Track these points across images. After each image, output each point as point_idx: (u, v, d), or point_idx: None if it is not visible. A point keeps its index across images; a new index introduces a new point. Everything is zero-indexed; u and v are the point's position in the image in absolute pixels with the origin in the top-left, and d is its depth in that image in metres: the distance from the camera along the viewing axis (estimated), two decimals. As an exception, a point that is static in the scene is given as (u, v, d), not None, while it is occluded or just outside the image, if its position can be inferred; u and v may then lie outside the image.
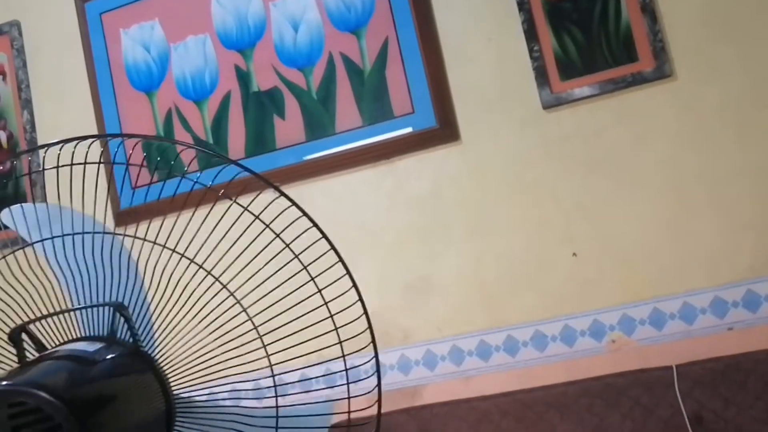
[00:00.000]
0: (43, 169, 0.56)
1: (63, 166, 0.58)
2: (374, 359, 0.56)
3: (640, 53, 1.54)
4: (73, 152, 0.58)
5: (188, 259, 0.65)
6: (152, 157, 1.84)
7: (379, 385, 0.56)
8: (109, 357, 0.51)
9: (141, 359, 0.53)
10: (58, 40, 1.97)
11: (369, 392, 0.56)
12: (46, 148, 0.58)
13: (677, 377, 1.41)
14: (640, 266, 1.54)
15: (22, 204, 0.58)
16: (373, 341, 0.56)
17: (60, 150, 0.57)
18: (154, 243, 0.71)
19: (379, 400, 0.56)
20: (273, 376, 0.59)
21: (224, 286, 0.59)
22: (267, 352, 0.58)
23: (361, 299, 0.56)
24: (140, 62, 1.87)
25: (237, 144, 1.78)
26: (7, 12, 2.03)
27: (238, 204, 0.58)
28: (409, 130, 1.67)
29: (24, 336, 0.55)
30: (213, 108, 1.80)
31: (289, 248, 0.57)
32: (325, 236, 0.57)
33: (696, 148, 1.52)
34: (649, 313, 1.53)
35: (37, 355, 0.55)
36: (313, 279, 0.57)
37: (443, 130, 1.65)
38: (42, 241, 0.56)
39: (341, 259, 0.56)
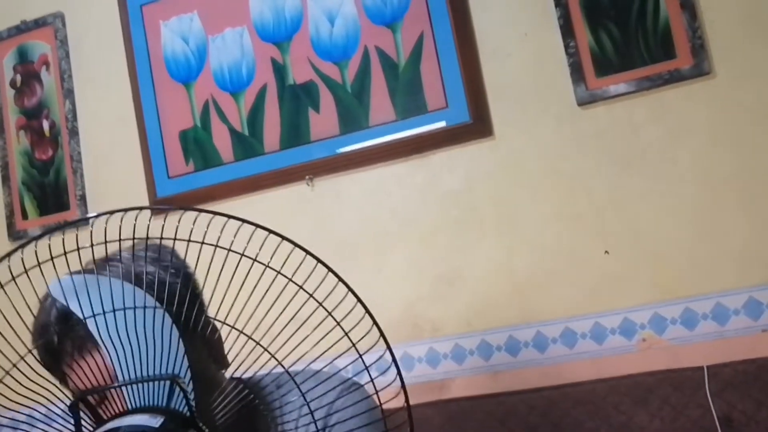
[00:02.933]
0: (92, 245, 0.56)
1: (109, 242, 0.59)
2: (388, 352, 0.57)
3: (678, 50, 1.53)
4: (120, 225, 0.59)
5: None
6: (189, 148, 1.87)
7: (399, 374, 0.57)
8: (174, 430, 0.53)
9: (197, 431, 0.55)
10: (100, 31, 2.01)
11: (389, 384, 0.57)
12: (92, 219, 0.59)
13: (708, 378, 1.40)
14: (673, 265, 1.53)
15: (71, 275, 0.59)
16: (383, 335, 0.57)
17: (106, 221, 0.58)
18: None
19: (403, 388, 0.57)
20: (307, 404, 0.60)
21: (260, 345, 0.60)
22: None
23: (360, 301, 0.57)
24: (179, 54, 1.90)
25: (272, 136, 1.80)
26: (51, 3, 2.07)
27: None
28: (442, 124, 1.67)
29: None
30: (249, 100, 1.82)
31: (299, 286, 0.58)
32: (317, 259, 0.57)
33: (732, 147, 1.50)
34: (681, 312, 1.52)
35: (93, 425, 0.56)
36: (322, 305, 0.58)
37: (476, 125, 1.65)
38: (94, 316, 0.57)
39: (336, 274, 0.57)
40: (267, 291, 0.59)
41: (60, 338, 0.72)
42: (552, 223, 1.61)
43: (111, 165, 1.99)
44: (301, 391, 0.59)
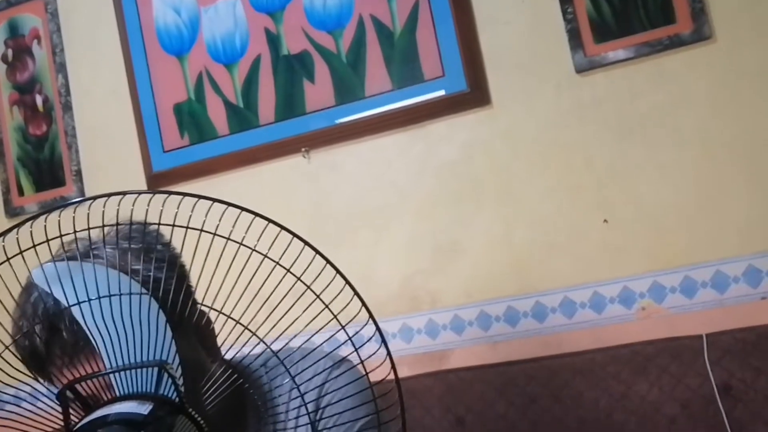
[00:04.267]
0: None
1: (104, 225, 0.58)
2: (375, 328, 0.56)
3: (678, 15, 1.50)
4: (118, 208, 0.57)
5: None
6: (184, 121, 1.85)
7: (387, 350, 0.56)
8: (163, 417, 0.52)
9: (187, 417, 0.54)
10: (91, 4, 1.98)
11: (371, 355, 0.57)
12: (91, 200, 0.57)
13: (707, 346, 1.39)
14: (672, 233, 1.52)
15: (55, 262, 0.58)
16: (369, 312, 0.56)
17: (89, 207, 0.57)
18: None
19: (391, 361, 0.56)
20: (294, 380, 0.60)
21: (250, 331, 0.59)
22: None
23: (340, 274, 0.56)
24: (171, 25, 1.87)
25: (267, 108, 1.78)
26: (41, -25, 2.04)
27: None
28: (439, 93, 1.65)
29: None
30: (243, 71, 1.80)
31: (297, 278, 0.57)
32: (306, 242, 0.56)
33: (733, 114, 1.48)
34: (680, 281, 1.51)
35: (81, 413, 0.55)
36: (309, 287, 0.57)
37: (474, 93, 1.63)
38: (79, 303, 0.56)
39: (314, 248, 0.56)
40: (254, 273, 0.58)
41: (47, 345, 0.70)
42: (551, 193, 1.59)
43: (106, 140, 1.97)
44: (291, 374, 0.59)
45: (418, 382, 1.56)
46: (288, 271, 0.58)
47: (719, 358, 1.38)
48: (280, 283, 0.59)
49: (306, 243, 0.58)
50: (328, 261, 0.58)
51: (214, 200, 0.56)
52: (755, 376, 1.35)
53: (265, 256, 0.57)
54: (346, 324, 0.57)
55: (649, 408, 1.38)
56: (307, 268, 0.60)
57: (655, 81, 1.53)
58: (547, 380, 1.47)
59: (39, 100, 2.03)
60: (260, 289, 0.60)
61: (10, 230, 0.56)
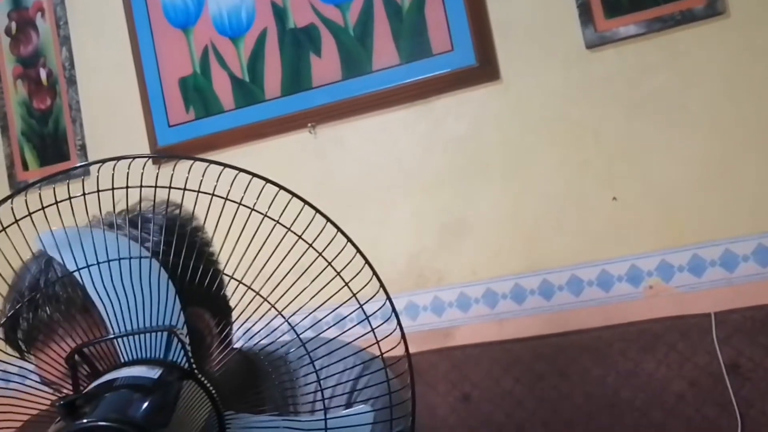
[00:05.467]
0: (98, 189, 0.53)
1: (114, 188, 0.57)
2: (388, 302, 0.55)
3: (691, -11, 1.47)
4: (128, 172, 0.56)
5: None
6: (189, 95, 1.83)
7: (399, 325, 0.55)
8: (172, 382, 0.51)
9: (196, 383, 0.53)
10: (95, -24, 1.96)
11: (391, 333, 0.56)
12: (100, 164, 0.56)
13: (715, 325, 1.38)
14: (682, 211, 1.50)
15: (64, 229, 0.57)
16: (383, 286, 0.55)
17: (114, 168, 0.55)
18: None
19: (403, 337, 0.55)
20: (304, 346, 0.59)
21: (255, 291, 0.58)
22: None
23: (359, 251, 0.55)
24: (176, -2, 1.84)
25: (273, 82, 1.76)
26: (44, -54, 2.02)
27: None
28: (447, 68, 1.63)
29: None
30: (249, 45, 1.78)
31: (299, 237, 0.56)
32: (315, 208, 0.55)
33: (746, 91, 1.46)
34: (689, 259, 1.50)
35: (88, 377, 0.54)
36: (321, 255, 0.56)
37: (483, 68, 1.61)
38: (81, 269, 0.55)
39: (334, 224, 0.55)
40: (265, 240, 0.57)
41: (29, 327, 0.70)
42: (559, 170, 1.58)
43: (110, 114, 1.95)
44: (301, 341, 0.58)
45: (424, 358, 1.55)
46: (300, 237, 0.57)
47: (728, 336, 1.37)
48: (290, 251, 0.58)
49: (316, 210, 0.57)
50: (339, 229, 0.57)
51: (226, 165, 0.55)
52: (764, 354, 1.34)
53: (277, 221, 0.56)
54: (357, 292, 0.56)
55: (657, 385, 1.37)
56: (318, 235, 0.59)
57: (667, 57, 1.51)
58: (554, 357, 1.47)
59: (43, 73, 2.02)
60: (270, 256, 0.59)
61: (13, 195, 0.55)
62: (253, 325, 0.58)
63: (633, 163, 1.53)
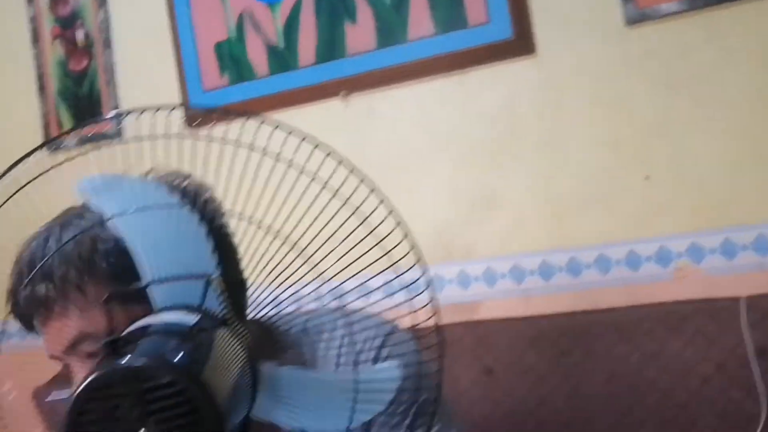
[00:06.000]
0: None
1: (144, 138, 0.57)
2: (424, 274, 0.56)
3: (737, -34, 1.44)
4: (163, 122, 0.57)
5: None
6: (224, 60, 1.84)
7: (432, 297, 0.56)
8: (208, 329, 0.52)
9: (232, 331, 0.54)
10: (134, -62, 1.96)
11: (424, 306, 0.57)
12: (124, 114, 0.56)
13: (745, 309, 1.37)
14: (716, 193, 1.48)
15: (99, 175, 0.57)
16: (420, 259, 0.56)
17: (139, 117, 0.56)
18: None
19: (435, 310, 0.56)
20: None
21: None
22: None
23: (400, 223, 0.55)
24: (213, -38, 1.84)
25: (307, 49, 1.76)
26: None
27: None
28: (483, 41, 1.61)
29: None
30: (285, 12, 1.77)
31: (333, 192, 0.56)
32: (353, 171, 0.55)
33: (789, 70, 1.43)
34: (721, 242, 1.48)
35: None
36: (360, 224, 0.57)
37: (519, 42, 1.59)
38: (117, 216, 0.55)
39: (378, 195, 0.55)
40: (302, 195, 0.57)
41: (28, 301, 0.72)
42: (592, 146, 1.56)
43: (145, 77, 1.97)
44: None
45: (448, 331, 1.53)
46: (335, 194, 0.58)
47: (757, 321, 1.35)
48: (325, 207, 0.59)
49: (361, 178, 0.57)
50: (383, 200, 0.57)
51: (266, 120, 0.56)
52: (793, 340, 1.33)
53: (324, 186, 0.57)
54: (396, 262, 0.56)
55: (682, 367, 1.36)
56: (353, 193, 0.60)
57: (708, 35, 1.48)
58: (579, 335, 1.46)
59: (80, 35, 2.03)
60: (306, 212, 0.59)
61: (46, 144, 0.56)
62: (287, 289, 0.59)
63: (668, 143, 1.51)
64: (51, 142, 0.58)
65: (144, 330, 0.52)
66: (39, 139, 2.07)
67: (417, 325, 0.60)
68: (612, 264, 1.55)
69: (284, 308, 0.61)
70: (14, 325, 0.74)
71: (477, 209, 1.65)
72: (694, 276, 1.49)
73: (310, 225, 0.59)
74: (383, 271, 0.61)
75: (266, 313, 0.60)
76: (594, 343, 1.44)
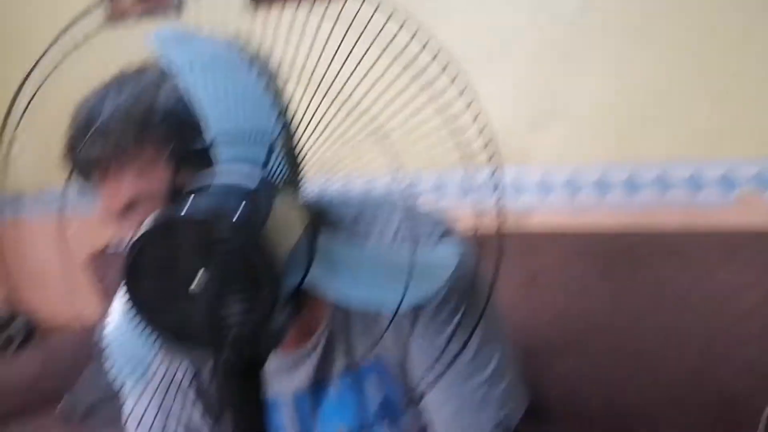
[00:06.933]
0: None
1: None
2: (495, 175, 0.55)
3: None
4: None
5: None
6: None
7: (499, 200, 0.54)
8: (270, 190, 0.51)
9: (292, 197, 0.53)
10: None
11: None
12: None
13: (804, 242, 1.33)
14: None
15: (170, 27, 0.55)
16: (495, 158, 0.54)
17: None
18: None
19: (499, 216, 0.55)
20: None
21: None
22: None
23: (478, 117, 0.53)
24: None
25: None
26: None
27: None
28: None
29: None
30: None
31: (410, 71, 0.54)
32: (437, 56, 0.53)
33: None
34: (791, 172, 1.42)
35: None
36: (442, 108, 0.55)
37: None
38: (189, 67, 0.53)
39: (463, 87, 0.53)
40: (371, 67, 0.55)
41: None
42: (665, 59, 1.48)
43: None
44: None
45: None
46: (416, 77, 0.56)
47: (816, 255, 1.31)
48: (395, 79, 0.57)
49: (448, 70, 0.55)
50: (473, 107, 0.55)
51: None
52: None
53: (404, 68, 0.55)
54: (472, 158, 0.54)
55: (730, 294, 1.33)
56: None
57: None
58: (628, 253, 1.43)
59: None
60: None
61: None
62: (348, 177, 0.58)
63: (745, 63, 1.42)
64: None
65: (204, 189, 0.51)
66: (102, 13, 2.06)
67: (479, 227, 0.59)
68: (672, 184, 1.50)
69: (347, 188, 0.60)
70: (74, 188, 0.74)
71: (537, 115, 1.60)
72: (757, 204, 1.44)
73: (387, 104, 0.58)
74: (454, 166, 0.60)
75: (328, 190, 0.60)
76: (642, 263, 1.41)
